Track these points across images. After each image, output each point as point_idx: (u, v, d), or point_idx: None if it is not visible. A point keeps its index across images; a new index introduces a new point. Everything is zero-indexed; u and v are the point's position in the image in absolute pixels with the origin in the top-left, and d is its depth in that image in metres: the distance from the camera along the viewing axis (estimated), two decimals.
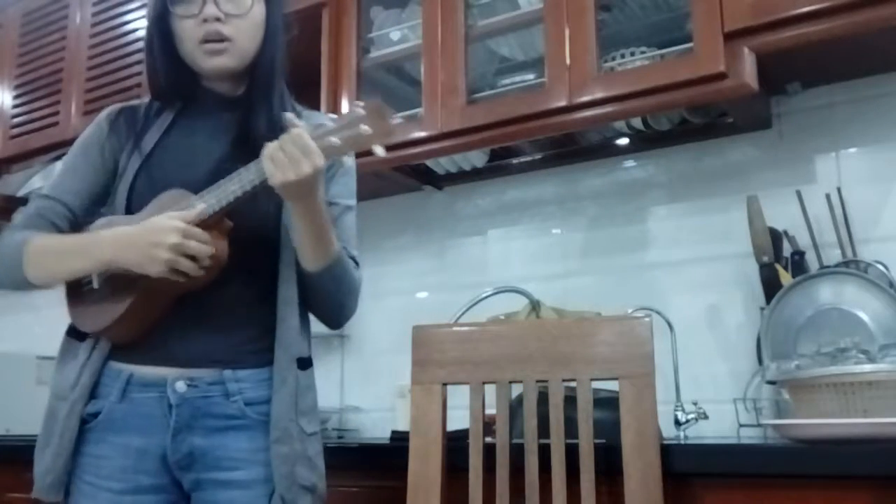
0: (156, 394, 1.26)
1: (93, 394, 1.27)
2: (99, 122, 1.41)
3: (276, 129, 1.24)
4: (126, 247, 1.21)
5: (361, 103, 1.15)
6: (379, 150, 1.14)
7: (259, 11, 1.34)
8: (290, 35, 1.40)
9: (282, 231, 1.30)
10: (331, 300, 1.34)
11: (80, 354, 1.29)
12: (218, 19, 1.30)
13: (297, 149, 1.15)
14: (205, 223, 1.21)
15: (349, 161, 1.38)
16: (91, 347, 1.29)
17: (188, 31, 1.31)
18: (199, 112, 1.38)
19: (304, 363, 1.31)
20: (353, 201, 1.42)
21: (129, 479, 1.24)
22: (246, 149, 1.26)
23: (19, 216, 1.37)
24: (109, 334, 1.28)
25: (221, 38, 1.31)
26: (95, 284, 1.27)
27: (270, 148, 1.16)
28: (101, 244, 1.24)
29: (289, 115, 1.20)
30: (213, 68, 1.33)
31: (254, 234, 1.28)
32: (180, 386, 1.25)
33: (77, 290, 1.31)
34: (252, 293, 1.30)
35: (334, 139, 1.15)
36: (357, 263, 1.37)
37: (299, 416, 1.27)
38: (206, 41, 1.31)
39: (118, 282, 1.25)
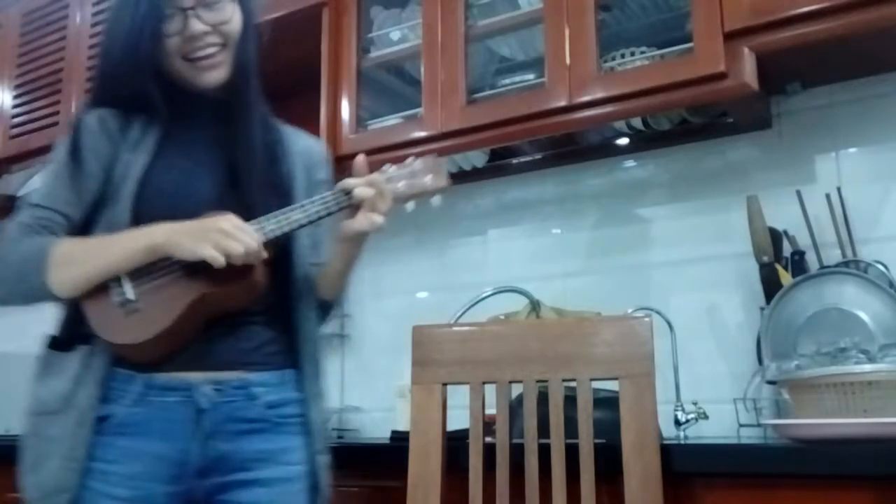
0: (179, 398, 1.21)
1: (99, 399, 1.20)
2: (88, 126, 1.28)
3: (268, 128, 1.33)
4: (179, 231, 1.18)
5: (416, 159, 1.30)
6: (436, 201, 1.32)
7: (238, 17, 1.31)
8: (260, 39, 1.36)
9: (294, 249, 1.33)
10: (333, 313, 1.45)
11: (69, 367, 1.21)
12: (206, 34, 1.26)
13: (380, 191, 1.25)
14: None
15: None
16: (86, 356, 1.21)
17: (173, 48, 1.26)
18: (190, 120, 1.32)
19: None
20: None
21: (138, 486, 1.19)
22: (240, 156, 1.31)
23: (12, 227, 1.25)
24: (142, 348, 1.20)
25: (214, 52, 1.28)
26: (131, 295, 1.19)
27: (362, 191, 1.24)
28: (151, 231, 1.19)
29: (360, 158, 1.27)
30: (207, 84, 1.30)
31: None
32: (209, 390, 1.23)
33: (101, 300, 1.21)
34: (268, 301, 1.30)
35: (401, 185, 1.28)
36: None
37: (325, 421, 1.35)
38: (199, 58, 1.27)
39: (161, 295, 1.20)
